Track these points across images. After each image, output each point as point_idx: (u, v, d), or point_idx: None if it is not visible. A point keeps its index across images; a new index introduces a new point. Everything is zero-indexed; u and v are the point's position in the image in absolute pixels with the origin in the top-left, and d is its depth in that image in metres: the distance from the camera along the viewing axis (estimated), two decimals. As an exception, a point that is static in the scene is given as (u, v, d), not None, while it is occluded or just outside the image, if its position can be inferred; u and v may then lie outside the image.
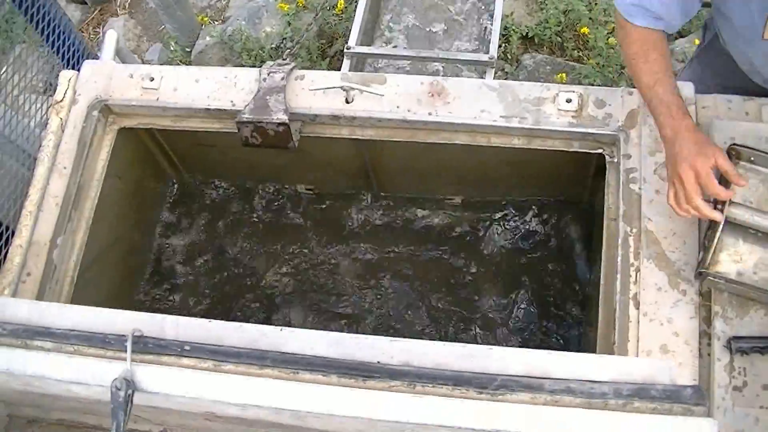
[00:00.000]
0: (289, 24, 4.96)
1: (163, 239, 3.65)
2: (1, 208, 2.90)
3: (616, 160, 2.50)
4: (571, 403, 1.57)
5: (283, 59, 2.91)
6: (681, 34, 4.67)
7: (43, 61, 3.72)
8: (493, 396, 1.58)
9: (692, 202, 2.07)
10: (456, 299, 3.39)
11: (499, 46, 3.54)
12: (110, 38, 2.99)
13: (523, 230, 3.41)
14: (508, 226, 3.42)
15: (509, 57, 4.68)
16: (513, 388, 1.59)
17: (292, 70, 2.73)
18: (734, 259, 2.20)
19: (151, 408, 1.95)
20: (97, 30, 5.62)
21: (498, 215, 3.45)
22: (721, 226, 2.15)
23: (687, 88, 2.45)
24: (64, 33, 3.40)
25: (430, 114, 2.61)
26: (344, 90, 2.67)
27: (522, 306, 3.31)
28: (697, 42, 3.63)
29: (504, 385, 1.59)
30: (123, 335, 1.79)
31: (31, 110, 3.24)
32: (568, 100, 2.54)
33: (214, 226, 3.66)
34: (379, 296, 3.44)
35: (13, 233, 2.69)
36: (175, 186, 3.72)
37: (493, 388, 1.59)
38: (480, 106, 2.60)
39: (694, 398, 1.50)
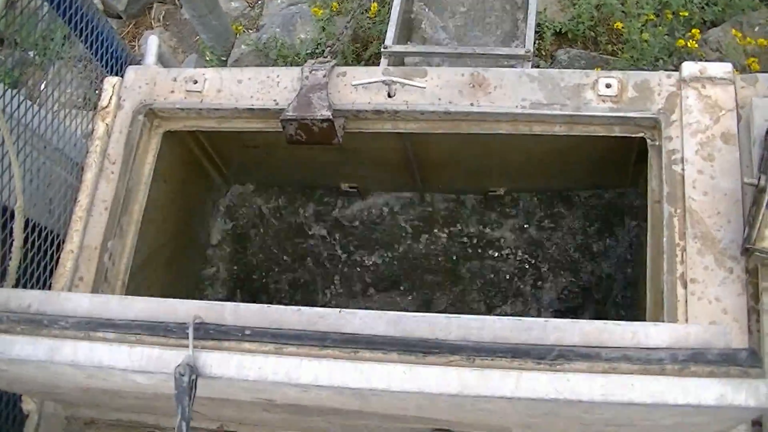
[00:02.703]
0: (324, 29, 5.01)
1: (209, 240, 3.69)
2: (51, 214, 2.96)
3: (657, 143, 2.51)
4: (629, 369, 1.59)
5: (324, 57, 2.93)
6: (714, 24, 4.67)
7: (82, 77, 3.80)
8: (551, 366, 1.61)
9: None
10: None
11: (534, 42, 3.56)
12: (152, 43, 3.03)
13: (566, 218, 3.43)
14: (551, 214, 3.45)
15: (543, 53, 4.70)
16: (570, 358, 1.61)
17: (333, 67, 2.76)
18: (780, 234, 2.20)
19: (208, 400, 1.99)
20: (132, 43, 5.69)
21: (541, 204, 3.48)
22: (765, 202, 2.16)
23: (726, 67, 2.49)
24: (107, 40, 3.46)
25: (471, 104, 2.63)
26: (386, 84, 2.69)
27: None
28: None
29: (562, 354, 1.61)
30: (184, 323, 1.82)
31: (73, 124, 3.30)
32: (608, 85, 2.55)
33: (259, 226, 3.71)
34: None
35: (63, 240, 2.73)
36: (219, 187, 3.76)
37: (551, 359, 1.61)
38: (521, 94, 2.61)
39: (750, 360, 1.52)
